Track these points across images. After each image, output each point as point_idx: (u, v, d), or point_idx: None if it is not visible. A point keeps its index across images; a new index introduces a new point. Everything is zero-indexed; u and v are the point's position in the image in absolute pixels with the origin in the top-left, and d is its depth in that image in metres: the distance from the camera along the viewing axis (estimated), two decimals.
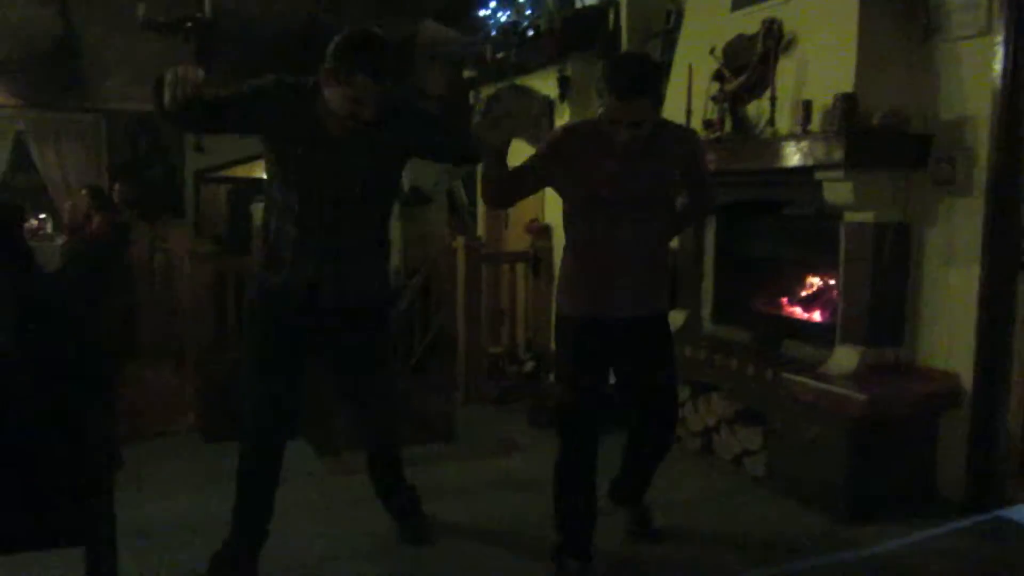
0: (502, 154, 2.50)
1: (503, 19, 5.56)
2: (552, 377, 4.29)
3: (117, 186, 7.33)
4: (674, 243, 4.65)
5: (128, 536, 2.14)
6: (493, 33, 5.60)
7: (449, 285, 5.44)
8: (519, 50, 5.37)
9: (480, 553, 2.92)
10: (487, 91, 5.80)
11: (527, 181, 2.65)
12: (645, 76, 2.42)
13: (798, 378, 3.36)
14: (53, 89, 7.51)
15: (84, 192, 6.73)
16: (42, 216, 8.74)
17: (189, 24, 5.53)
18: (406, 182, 8.06)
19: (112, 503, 2.00)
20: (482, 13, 5.72)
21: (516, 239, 5.79)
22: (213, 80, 2.23)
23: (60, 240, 7.30)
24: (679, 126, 2.86)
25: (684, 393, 4.07)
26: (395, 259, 7.89)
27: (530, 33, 5.33)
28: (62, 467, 1.92)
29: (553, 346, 2.94)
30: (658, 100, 2.58)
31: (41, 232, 8.51)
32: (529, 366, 5.03)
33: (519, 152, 2.53)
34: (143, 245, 6.53)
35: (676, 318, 4.39)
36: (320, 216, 2.49)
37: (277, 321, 2.57)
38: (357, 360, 2.73)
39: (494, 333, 5.51)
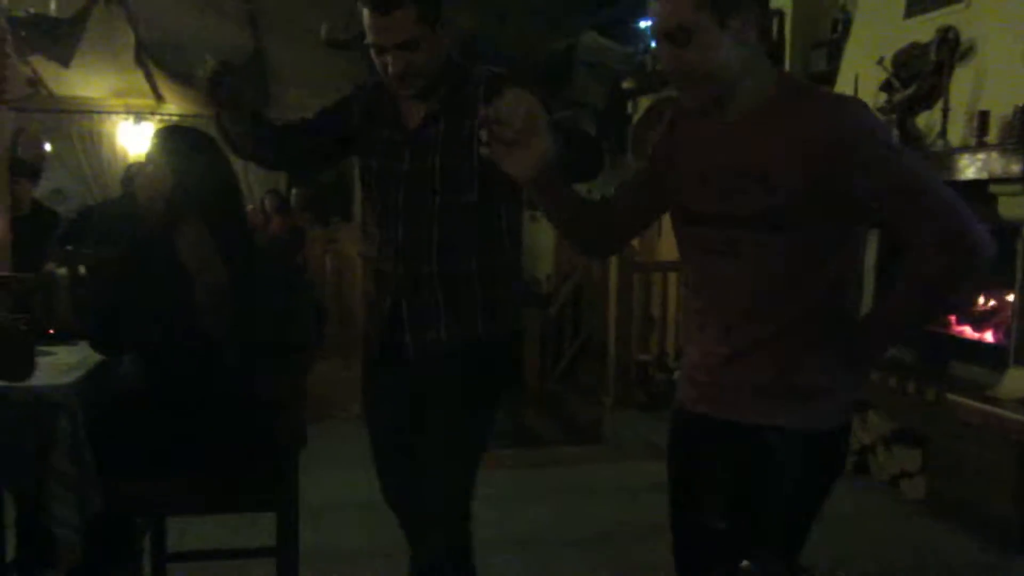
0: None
1: None
2: None
3: (294, 191, 7.90)
4: None
5: (303, 509, 2.37)
6: (654, 44, 5.66)
7: (600, 292, 5.54)
8: None
9: (628, 551, 3.00)
10: (646, 101, 5.87)
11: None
12: None
13: (965, 400, 3.23)
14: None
15: (266, 196, 7.32)
16: None
17: (365, 42, 5.91)
18: None
19: (297, 476, 2.23)
20: (643, 24, 5.79)
21: (670, 248, 5.82)
22: (232, 66, 1.95)
23: None
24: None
25: None
26: (547, 265, 8.08)
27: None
28: (259, 442, 2.16)
29: None
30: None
31: None
32: (677, 374, 5.04)
33: None
34: (316, 246, 7.00)
35: None
36: (396, 236, 1.97)
37: (370, 381, 2.16)
38: (429, 437, 1.99)
39: (643, 341, 5.55)
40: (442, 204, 1.93)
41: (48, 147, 7.20)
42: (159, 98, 8.27)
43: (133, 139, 8.11)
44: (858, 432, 3.87)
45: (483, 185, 1.91)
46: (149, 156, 2.19)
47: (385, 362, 2.06)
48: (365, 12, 1.82)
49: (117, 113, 8.49)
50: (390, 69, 1.85)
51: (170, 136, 2.26)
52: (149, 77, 7.88)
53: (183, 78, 7.91)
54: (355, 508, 3.30)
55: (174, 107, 8.52)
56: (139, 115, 8.49)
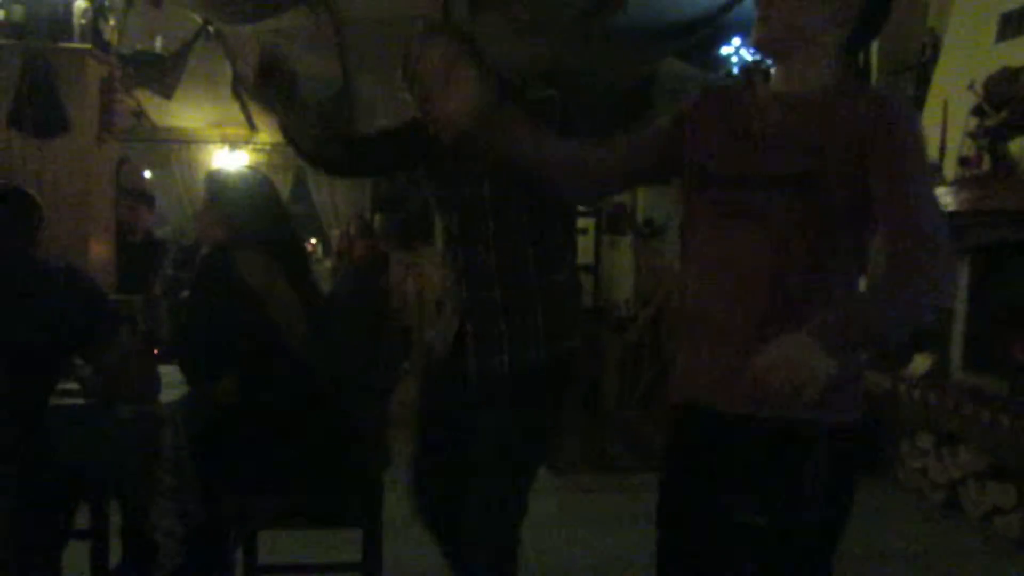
0: None
1: (747, 56, 5.59)
2: None
3: (378, 216, 8.12)
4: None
5: (387, 526, 2.45)
6: (735, 71, 5.65)
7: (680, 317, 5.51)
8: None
9: None
10: None
11: None
12: None
13: None
14: None
15: (351, 221, 7.55)
16: (313, 241, 9.85)
17: None
18: (640, 213, 8.24)
19: (383, 494, 2.32)
20: (724, 51, 5.78)
21: None
22: (281, 54, 1.89)
23: (328, 263, 8.20)
24: None
25: (927, 442, 3.87)
26: (626, 290, 8.08)
27: (772, 70, 5.31)
28: (348, 463, 2.25)
29: None
30: None
31: (313, 255, 9.60)
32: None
33: None
34: (400, 270, 7.17)
35: (921, 362, 4.18)
36: (457, 262, 2.01)
37: (427, 395, 2.17)
38: (483, 447, 1.98)
39: None
40: (496, 230, 1.94)
41: (148, 174, 7.60)
42: (252, 127, 8.63)
43: (241, 166, 8.50)
44: (948, 467, 3.75)
45: (535, 208, 1.93)
46: (205, 191, 2.47)
47: (446, 382, 2.06)
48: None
49: (213, 142, 8.92)
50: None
51: (218, 173, 2.58)
52: (244, 108, 8.24)
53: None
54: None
55: (267, 136, 8.89)
56: (234, 144, 8.90)
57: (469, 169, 1.93)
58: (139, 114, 7.85)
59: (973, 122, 3.74)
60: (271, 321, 2.29)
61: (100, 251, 4.41)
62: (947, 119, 3.81)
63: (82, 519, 2.21)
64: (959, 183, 3.74)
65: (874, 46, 4.83)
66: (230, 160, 8.82)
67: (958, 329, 4.08)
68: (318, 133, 1.99)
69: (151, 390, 2.06)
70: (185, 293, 2.78)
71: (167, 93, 6.92)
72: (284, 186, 9.44)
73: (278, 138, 8.92)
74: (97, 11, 4.41)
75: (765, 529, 1.44)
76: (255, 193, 2.41)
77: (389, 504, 2.35)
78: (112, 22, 4.67)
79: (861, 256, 1.49)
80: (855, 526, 1.52)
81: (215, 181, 2.48)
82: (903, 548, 3.00)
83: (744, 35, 5.72)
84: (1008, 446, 3.41)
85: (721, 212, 1.50)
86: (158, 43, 6.10)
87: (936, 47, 4.38)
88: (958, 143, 3.75)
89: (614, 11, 5.14)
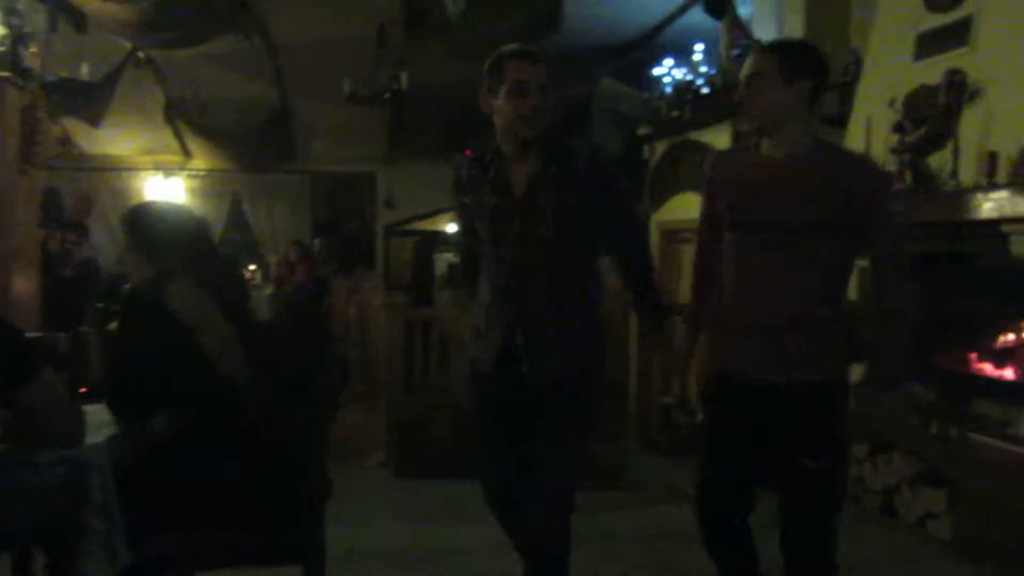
0: None
1: (679, 76, 5.70)
2: None
3: (317, 241, 8.04)
4: (853, 296, 4.57)
5: (329, 559, 2.41)
6: (668, 91, 5.75)
7: (621, 334, 5.56)
8: (694, 107, 5.48)
9: None
10: (661, 146, 5.95)
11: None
12: None
13: (987, 439, 3.22)
14: (267, 155, 8.38)
15: (290, 247, 7.46)
16: (252, 267, 9.69)
17: (387, 95, 6.07)
18: None
19: (324, 527, 2.28)
20: (657, 71, 5.89)
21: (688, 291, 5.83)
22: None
23: (268, 290, 8.08)
24: None
25: (862, 451, 3.96)
26: None
27: (705, 90, 5.43)
28: (285, 494, 2.21)
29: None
30: None
31: (252, 282, 9.44)
32: (700, 416, 5.03)
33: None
34: (340, 295, 7.11)
35: (855, 373, 4.29)
36: (508, 280, 2.33)
37: (482, 401, 2.44)
38: (539, 437, 2.32)
39: (666, 383, 5.55)
40: (551, 258, 2.29)
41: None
42: (187, 154, 8.49)
43: (162, 195, 8.32)
44: (883, 474, 3.84)
45: (582, 239, 2.33)
46: (123, 229, 2.43)
47: (500, 384, 2.36)
48: (512, 63, 2.25)
49: (146, 170, 8.72)
50: (529, 102, 2.23)
51: (136, 210, 2.50)
52: (178, 134, 8.10)
53: (210, 134, 8.13)
54: (378, 558, 3.32)
55: (201, 162, 8.75)
56: (168, 171, 8.72)
57: (532, 212, 2.29)
58: (65, 142, 7.64)
59: (894, 138, 3.87)
60: (203, 353, 2.25)
61: (23, 286, 4.28)
62: (870, 136, 3.94)
63: (4, 568, 2.12)
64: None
65: None
66: (164, 188, 8.64)
67: None
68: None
69: (75, 433, 1.99)
70: (113, 326, 2.70)
71: (95, 120, 6.76)
72: (220, 213, 9.30)
73: (213, 164, 8.84)
74: (17, 37, 4.29)
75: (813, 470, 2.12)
76: (175, 226, 2.38)
77: (333, 537, 2.31)
78: (33, 48, 4.55)
79: (848, 274, 2.20)
80: None
81: (134, 219, 2.43)
82: (844, 555, 3.07)
83: (676, 55, 5.83)
84: (938, 452, 3.51)
85: (745, 245, 2.16)
86: (84, 69, 5.96)
87: (858, 67, 4.53)
88: (881, 159, 3.87)
89: (548, 33, 5.20)
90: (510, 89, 2.22)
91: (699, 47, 5.56)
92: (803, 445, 2.13)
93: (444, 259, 8.70)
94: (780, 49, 2.15)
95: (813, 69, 2.07)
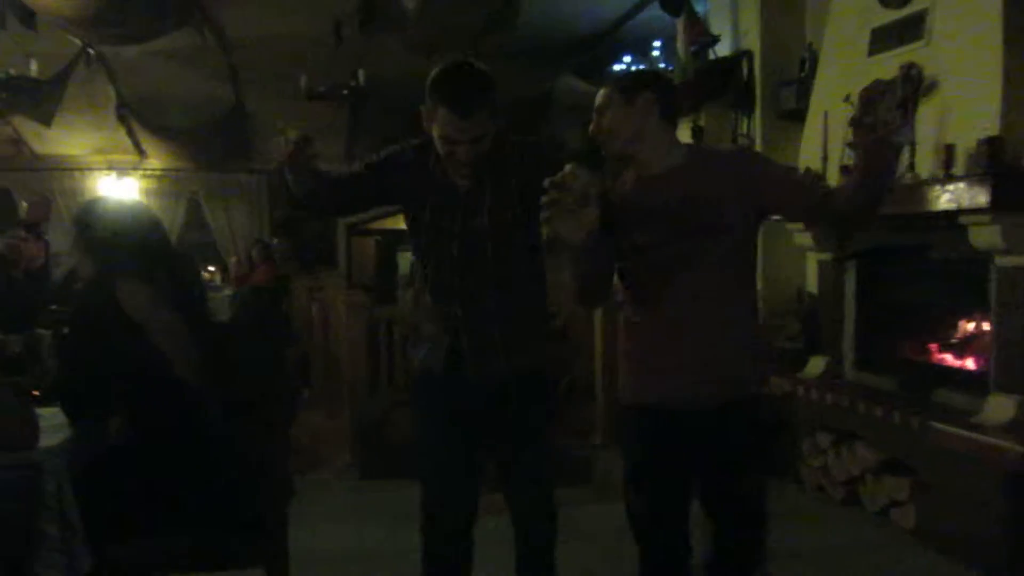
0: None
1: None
2: None
3: (276, 240, 7.94)
4: (812, 288, 4.63)
5: (294, 561, 2.36)
6: None
7: (587, 332, 5.56)
8: None
9: None
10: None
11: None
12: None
13: (948, 428, 3.26)
14: (222, 153, 8.26)
15: (252, 247, 7.36)
16: (211, 268, 9.53)
17: (345, 92, 6.01)
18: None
19: (286, 530, 2.23)
20: (617, 67, 5.91)
21: None
22: (311, 138, 2.13)
23: (227, 291, 7.95)
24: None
25: (826, 441, 4.00)
26: None
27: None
28: (246, 498, 2.16)
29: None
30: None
31: (211, 283, 9.28)
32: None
33: None
34: (302, 294, 7.02)
35: (816, 364, 4.34)
36: (452, 281, 2.21)
37: (428, 406, 2.31)
38: (505, 438, 2.29)
39: None
40: (493, 254, 2.17)
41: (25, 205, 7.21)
42: (141, 153, 8.33)
43: (116, 194, 8.14)
44: (847, 463, 3.89)
45: (524, 235, 2.19)
46: (73, 226, 2.37)
47: (446, 388, 2.23)
48: (442, 111, 2.01)
49: (99, 169, 8.54)
50: (460, 159, 2.07)
51: (86, 207, 2.45)
52: (131, 133, 7.94)
53: (164, 132, 7.98)
54: (343, 560, 3.27)
55: (156, 161, 8.58)
56: (121, 170, 8.55)
57: (472, 206, 2.17)
58: (17, 142, 7.44)
59: (851, 133, 3.90)
60: (157, 353, 2.19)
61: None
62: (828, 130, 3.98)
63: None
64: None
65: (757, 63, 5.02)
66: (118, 188, 8.47)
67: (848, 331, 4.25)
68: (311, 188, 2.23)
69: (28, 436, 1.92)
70: (65, 329, 2.62)
71: (45, 120, 6.60)
72: (177, 213, 9.14)
73: (168, 164, 8.69)
74: None
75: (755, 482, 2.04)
76: (126, 223, 2.32)
77: (296, 539, 2.27)
78: None
79: (753, 271, 2.12)
80: None
81: (84, 217, 2.36)
82: (809, 545, 3.10)
83: (634, 52, 5.85)
84: (900, 441, 3.55)
85: (656, 265, 1.99)
86: (34, 67, 5.81)
87: (814, 63, 4.58)
88: (839, 153, 3.91)
89: (505, 30, 5.18)
90: (440, 136, 2.05)
91: (657, 44, 5.59)
92: (739, 466, 2.04)
93: (406, 257, 8.65)
94: (616, 78, 2.14)
95: (647, 82, 2.03)
